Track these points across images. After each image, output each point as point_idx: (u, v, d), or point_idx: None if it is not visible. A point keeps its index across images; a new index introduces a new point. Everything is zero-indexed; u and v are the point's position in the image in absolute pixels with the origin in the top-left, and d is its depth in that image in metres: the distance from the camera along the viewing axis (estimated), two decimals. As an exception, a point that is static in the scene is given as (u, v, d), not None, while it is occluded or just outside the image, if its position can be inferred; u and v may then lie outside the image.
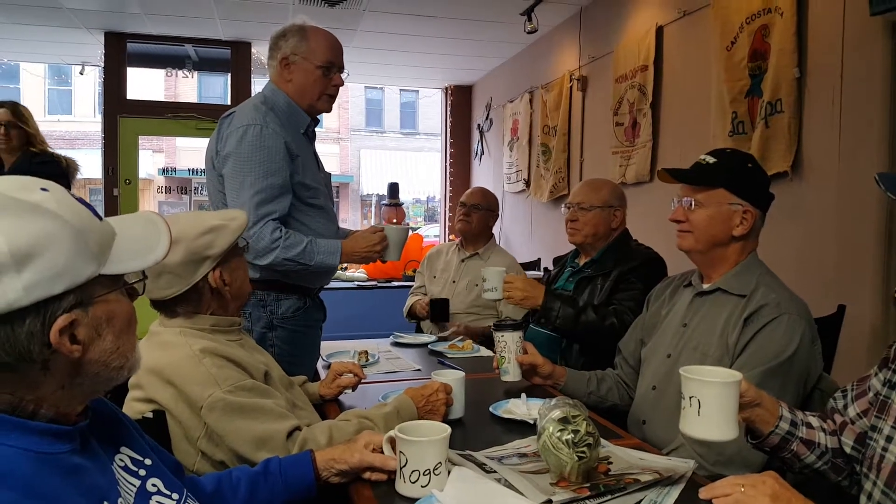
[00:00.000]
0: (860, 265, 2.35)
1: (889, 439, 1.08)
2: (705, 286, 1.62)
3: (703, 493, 1.10)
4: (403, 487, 1.12)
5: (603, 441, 1.20)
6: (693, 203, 1.58)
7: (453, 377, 1.55)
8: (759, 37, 2.78)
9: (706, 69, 3.11)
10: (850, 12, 2.39)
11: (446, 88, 6.99)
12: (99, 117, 5.97)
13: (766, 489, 1.04)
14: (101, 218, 0.79)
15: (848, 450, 1.20)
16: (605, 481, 1.13)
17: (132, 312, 0.82)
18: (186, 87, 13.93)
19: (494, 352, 1.83)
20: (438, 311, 2.86)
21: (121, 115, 5.50)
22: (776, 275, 1.59)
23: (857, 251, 2.37)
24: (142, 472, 0.88)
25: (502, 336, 1.77)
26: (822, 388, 1.50)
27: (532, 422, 1.48)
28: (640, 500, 1.10)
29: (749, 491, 1.05)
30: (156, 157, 15.51)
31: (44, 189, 0.74)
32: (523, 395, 1.65)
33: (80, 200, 0.78)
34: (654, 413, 1.63)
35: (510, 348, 1.76)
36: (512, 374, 1.78)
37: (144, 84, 7.88)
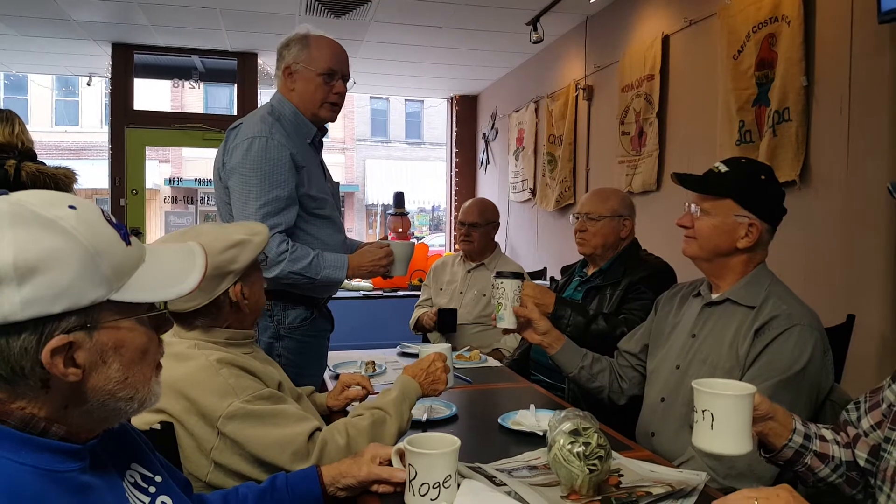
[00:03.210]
0: (869, 274, 2.34)
1: (904, 452, 1.07)
2: (714, 296, 1.61)
3: (717, 507, 1.09)
4: (413, 500, 1.11)
5: (613, 453, 1.19)
6: (700, 211, 1.57)
7: (441, 347, 1.58)
8: (766, 45, 2.78)
9: (713, 78, 3.11)
10: (858, 20, 2.38)
11: (452, 98, 7.01)
12: (106, 128, 6.00)
13: (781, 502, 1.03)
14: (129, 243, 0.77)
15: (862, 462, 1.19)
16: (616, 494, 1.12)
17: (148, 344, 0.79)
18: (193, 97, 14.00)
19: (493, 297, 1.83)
20: (446, 321, 2.85)
21: (127, 125, 5.53)
22: (786, 285, 1.58)
23: (865, 260, 2.35)
24: (151, 489, 0.87)
25: (501, 283, 1.77)
26: (833, 399, 1.49)
27: (541, 433, 1.47)
28: (653, 514, 1.09)
29: (763, 504, 1.03)
30: (162, 167, 15.59)
31: (72, 206, 0.73)
32: (532, 406, 1.64)
33: (115, 224, 0.76)
34: (663, 425, 1.61)
35: (508, 296, 1.76)
36: (507, 321, 1.77)
37: (151, 95, 7.93)
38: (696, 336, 1.60)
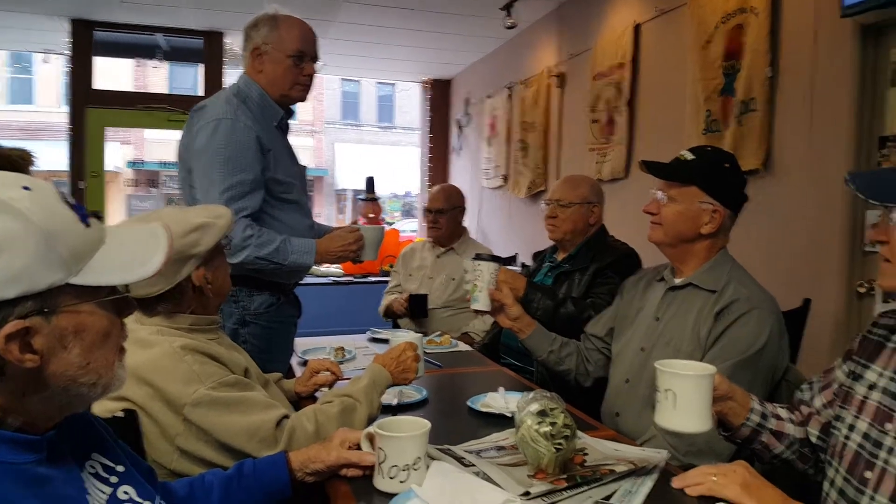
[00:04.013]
0: (826, 260, 2.41)
1: (851, 428, 1.12)
2: (677, 281, 1.64)
3: (676, 483, 1.13)
4: (382, 483, 1.12)
5: (579, 433, 1.22)
6: (666, 198, 1.60)
7: (412, 336, 1.59)
8: (733, 36, 2.82)
9: (682, 68, 3.15)
10: (822, 13, 2.44)
11: (425, 82, 6.97)
12: (64, 107, 5.83)
13: (737, 478, 1.08)
14: (87, 224, 0.74)
15: (814, 439, 1.24)
16: (581, 472, 1.15)
17: (110, 327, 0.78)
18: (156, 77, 13.66)
19: (467, 280, 1.83)
20: (417, 306, 2.86)
21: (87, 105, 5.36)
22: (746, 269, 1.62)
23: (823, 247, 2.43)
24: (113, 479, 0.85)
25: (479, 265, 1.78)
26: (788, 380, 1.54)
27: (510, 415, 1.49)
28: (616, 491, 1.12)
29: (721, 480, 1.08)
30: (124, 148, 15.18)
31: (26, 188, 0.71)
32: (501, 388, 1.66)
33: (73, 205, 0.74)
34: (627, 405, 1.65)
35: (484, 278, 1.77)
36: (482, 303, 1.78)
37: (112, 74, 7.70)
38: (659, 319, 1.64)
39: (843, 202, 2.34)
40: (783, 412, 1.28)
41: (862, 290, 2.32)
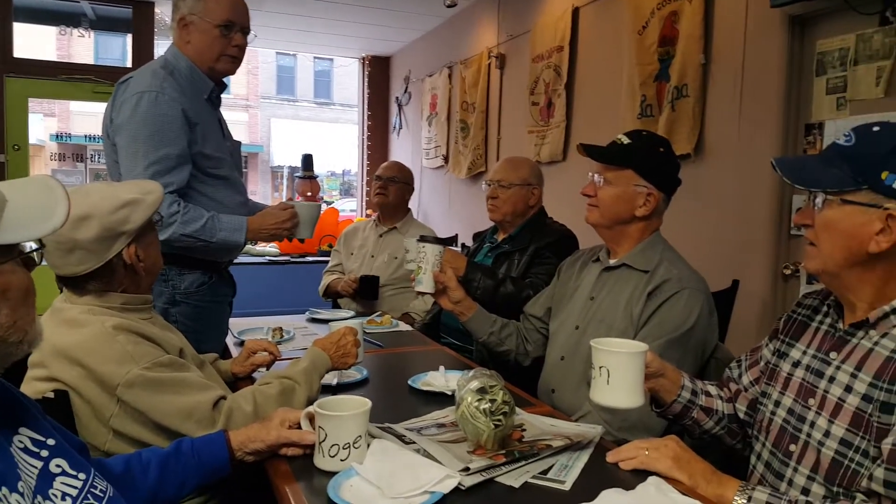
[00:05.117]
0: (753, 243, 2.53)
1: (777, 403, 1.18)
2: (612, 261, 1.69)
3: (611, 457, 1.17)
4: (322, 462, 1.12)
5: (517, 409, 1.24)
6: (603, 180, 1.64)
7: (353, 322, 1.61)
8: (668, 23, 2.89)
9: (619, 52, 3.21)
10: (753, 3, 2.53)
11: (363, 58, 6.85)
12: (-20, 75, 5.44)
13: (668, 452, 1.12)
14: None
15: (741, 415, 1.30)
16: (519, 448, 1.17)
17: (29, 283, 0.78)
18: (82, 47, 12.91)
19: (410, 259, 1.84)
20: (368, 288, 2.84)
21: (7, 74, 5.03)
22: (677, 251, 1.68)
23: (751, 230, 2.54)
24: (44, 453, 0.84)
25: (423, 247, 1.79)
26: (717, 357, 1.61)
27: (450, 393, 1.51)
28: (553, 465, 1.15)
29: (653, 454, 1.12)
30: (48, 121, 14.35)
31: None
32: (442, 367, 1.68)
33: None
34: (562, 382, 1.69)
35: (429, 260, 1.78)
36: (426, 284, 1.79)
37: (34, 42, 7.22)
38: (594, 298, 1.69)
39: (771, 187, 2.45)
40: (712, 389, 1.34)
41: (788, 271, 2.45)
